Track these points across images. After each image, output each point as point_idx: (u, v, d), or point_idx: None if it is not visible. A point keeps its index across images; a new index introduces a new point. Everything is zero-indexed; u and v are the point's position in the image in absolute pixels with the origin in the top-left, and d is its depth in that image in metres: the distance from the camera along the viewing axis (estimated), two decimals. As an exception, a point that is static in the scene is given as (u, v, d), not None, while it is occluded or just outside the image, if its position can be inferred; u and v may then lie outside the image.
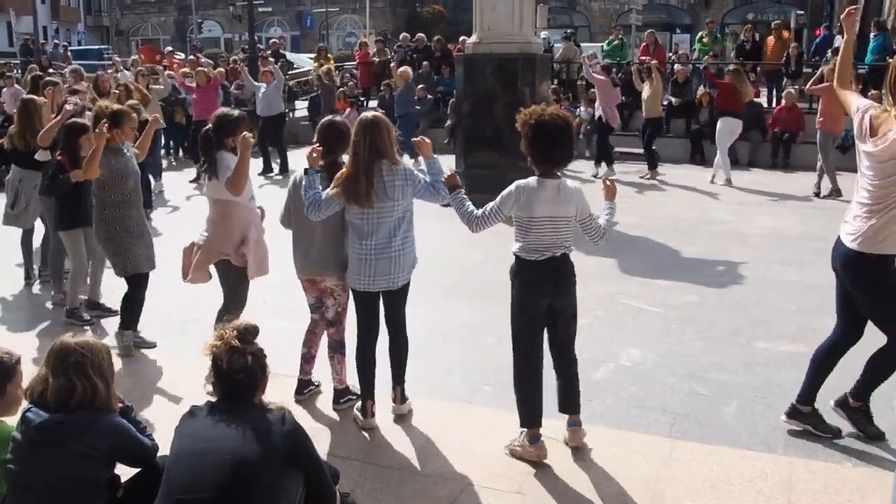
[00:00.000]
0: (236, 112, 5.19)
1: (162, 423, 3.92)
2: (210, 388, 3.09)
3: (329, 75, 17.34)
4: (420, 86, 15.80)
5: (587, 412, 4.52)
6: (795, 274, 7.71)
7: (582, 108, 15.26)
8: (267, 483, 2.81)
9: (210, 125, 5.02)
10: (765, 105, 16.46)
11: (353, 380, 4.79)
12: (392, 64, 17.86)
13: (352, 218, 4.41)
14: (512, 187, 4.12)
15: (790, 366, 5.53)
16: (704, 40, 19.03)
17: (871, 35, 15.98)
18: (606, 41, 20.40)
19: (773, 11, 39.10)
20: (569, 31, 21.30)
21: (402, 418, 4.66)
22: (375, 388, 4.62)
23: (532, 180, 4.12)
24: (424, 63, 17.45)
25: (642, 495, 3.92)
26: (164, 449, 3.14)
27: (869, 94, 13.64)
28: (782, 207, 11.19)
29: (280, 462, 2.86)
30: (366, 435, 4.54)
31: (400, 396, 4.72)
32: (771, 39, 17.89)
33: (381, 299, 4.57)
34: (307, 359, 5.01)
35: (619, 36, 19.88)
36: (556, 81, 15.83)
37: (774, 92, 17.14)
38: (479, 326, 6.06)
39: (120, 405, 3.25)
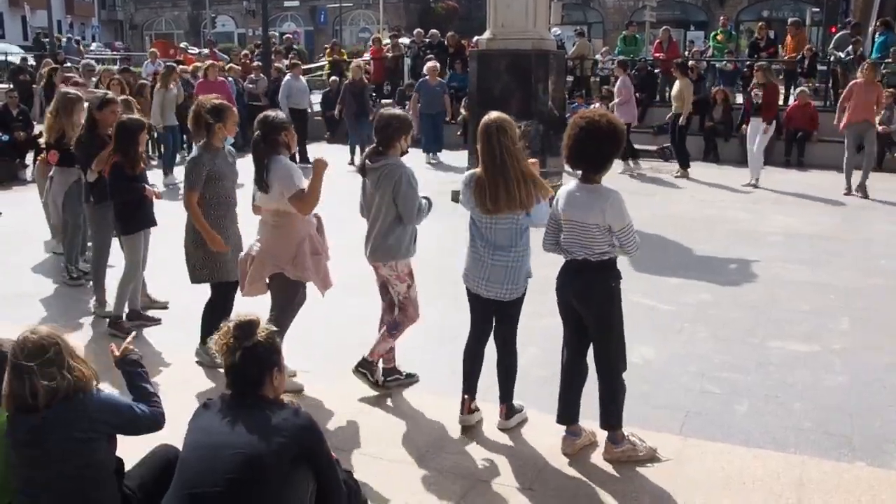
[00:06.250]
0: (278, 113, 4.94)
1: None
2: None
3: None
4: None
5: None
6: (810, 273, 7.64)
7: (596, 105, 15.19)
8: (277, 478, 2.81)
9: (256, 131, 4.74)
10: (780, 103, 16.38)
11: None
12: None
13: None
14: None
15: (803, 366, 5.52)
16: (719, 37, 18.95)
17: (877, 33, 15.93)
18: (620, 37, 20.31)
19: (788, 9, 38.80)
20: (578, 28, 21.22)
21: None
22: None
23: None
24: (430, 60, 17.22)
25: (653, 493, 3.91)
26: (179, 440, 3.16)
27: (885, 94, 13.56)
28: (797, 206, 11.13)
29: (291, 458, 2.85)
30: (378, 429, 4.55)
31: (504, 412, 4.58)
32: (789, 38, 17.81)
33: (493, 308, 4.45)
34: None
35: (634, 33, 19.81)
36: (570, 78, 15.78)
37: (791, 89, 17.05)
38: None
39: (131, 357, 3.40)
